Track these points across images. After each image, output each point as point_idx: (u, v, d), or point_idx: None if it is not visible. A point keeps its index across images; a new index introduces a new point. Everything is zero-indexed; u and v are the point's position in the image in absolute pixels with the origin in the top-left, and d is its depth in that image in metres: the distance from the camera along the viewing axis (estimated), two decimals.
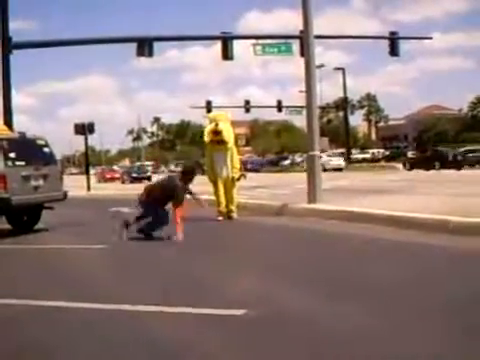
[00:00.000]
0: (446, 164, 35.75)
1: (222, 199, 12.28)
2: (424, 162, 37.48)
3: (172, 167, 72.24)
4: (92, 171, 74.64)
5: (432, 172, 32.92)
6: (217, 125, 12.02)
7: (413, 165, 38.46)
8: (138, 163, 76.80)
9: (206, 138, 12.30)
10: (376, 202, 12.00)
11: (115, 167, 68.42)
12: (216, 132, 12.03)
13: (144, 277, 6.46)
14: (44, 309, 5.10)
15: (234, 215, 12.35)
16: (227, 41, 24.22)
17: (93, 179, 50.89)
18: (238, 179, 12.57)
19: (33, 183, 11.30)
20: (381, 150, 65.95)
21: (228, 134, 12.16)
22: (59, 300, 5.29)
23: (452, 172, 30.98)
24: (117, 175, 53.78)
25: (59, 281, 6.48)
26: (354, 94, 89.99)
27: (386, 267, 6.37)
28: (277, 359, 3.65)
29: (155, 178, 47.35)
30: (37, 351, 4.01)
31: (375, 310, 4.56)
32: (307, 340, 3.92)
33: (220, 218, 12.18)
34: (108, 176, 52.68)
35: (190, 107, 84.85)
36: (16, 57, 22.62)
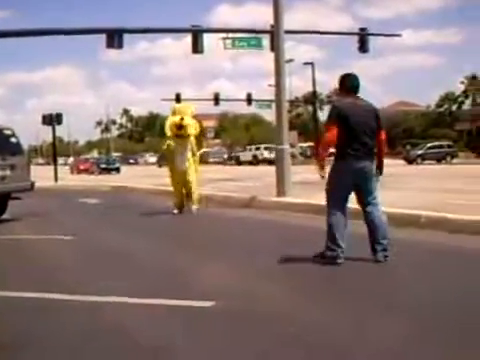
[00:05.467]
0: None
1: (179, 192, 12.19)
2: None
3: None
4: (61, 161, 73.41)
5: None
6: (182, 119, 11.70)
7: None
8: (116, 154, 75.48)
9: (169, 132, 11.96)
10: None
11: (87, 157, 65.30)
12: (180, 126, 11.72)
13: (113, 268, 6.47)
14: (12, 300, 5.09)
15: (194, 207, 12.15)
16: (197, 34, 24.09)
17: (66, 170, 50.14)
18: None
19: None
20: None
21: (191, 128, 11.88)
22: (27, 291, 5.28)
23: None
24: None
25: (27, 272, 6.44)
26: (325, 89, 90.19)
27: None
28: (238, 351, 3.66)
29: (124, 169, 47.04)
30: (3, 342, 4.00)
31: (342, 303, 4.65)
32: (272, 333, 3.96)
33: (175, 211, 12.03)
34: (82, 167, 51.35)
35: (161, 100, 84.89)
36: None
